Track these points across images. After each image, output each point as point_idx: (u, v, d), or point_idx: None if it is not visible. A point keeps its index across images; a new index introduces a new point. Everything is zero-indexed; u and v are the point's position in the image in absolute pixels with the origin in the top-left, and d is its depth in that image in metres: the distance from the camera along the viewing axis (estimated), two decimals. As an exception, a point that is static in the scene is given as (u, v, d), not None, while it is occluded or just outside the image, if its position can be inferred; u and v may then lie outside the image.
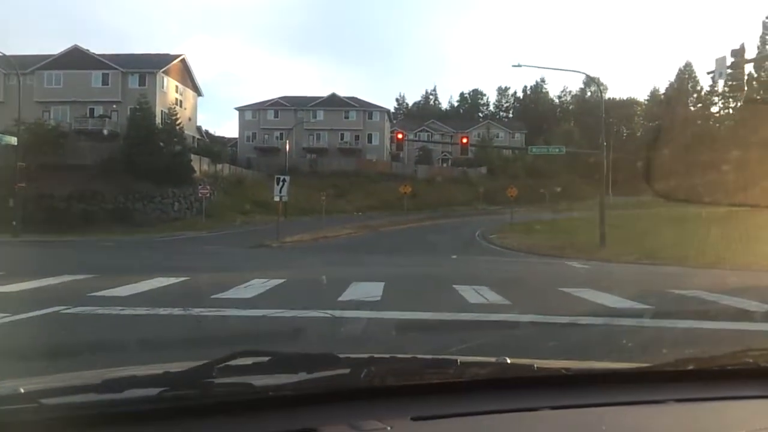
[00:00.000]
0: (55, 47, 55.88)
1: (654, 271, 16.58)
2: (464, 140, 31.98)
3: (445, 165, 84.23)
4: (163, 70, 55.34)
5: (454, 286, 10.38)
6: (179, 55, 59.35)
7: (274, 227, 29.44)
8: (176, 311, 7.30)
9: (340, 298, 8.57)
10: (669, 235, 25.38)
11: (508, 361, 1.68)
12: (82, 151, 45.05)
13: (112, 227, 36.75)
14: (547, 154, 54.14)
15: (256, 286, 10.05)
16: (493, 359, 1.70)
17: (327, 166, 69.26)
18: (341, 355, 1.53)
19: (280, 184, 27.72)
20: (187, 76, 61.05)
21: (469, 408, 1.45)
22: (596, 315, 7.24)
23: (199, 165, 50.01)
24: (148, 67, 54.79)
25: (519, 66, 30.35)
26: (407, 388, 1.51)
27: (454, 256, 22.54)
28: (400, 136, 32.32)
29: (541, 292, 10.11)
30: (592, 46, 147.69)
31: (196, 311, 7.31)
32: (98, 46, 62.56)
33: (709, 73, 69.58)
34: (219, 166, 55.31)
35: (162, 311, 7.30)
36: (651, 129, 69.88)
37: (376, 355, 1.62)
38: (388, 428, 1.31)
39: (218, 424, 1.34)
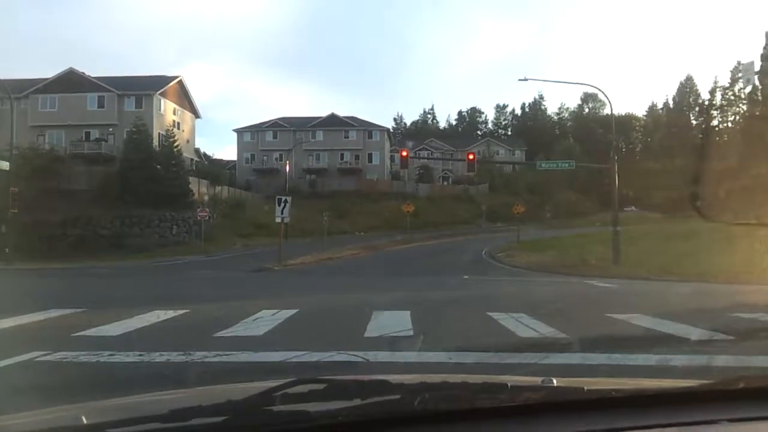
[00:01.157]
0: (50, 72, 54.84)
1: (688, 289, 15.33)
2: (470, 156, 30.77)
3: (446, 183, 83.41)
4: (160, 92, 54.50)
5: (488, 313, 9.15)
6: (176, 77, 58.52)
7: (275, 250, 28.36)
8: (175, 356, 6.06)
9: (366, 334, 7.33)
10: (678, 251, 24.39)
11: (554, 382, 1.65)
12: (77, 175, 44.08)
13: (108, 253, 35.60)
14: (549, 170, 53.48)
15: (266, 319, 8.82)
16: (539, 380, 1.67)
17: (327, 186, 68.25)
18: (393, 380, 1.56)
19: (282, 205, 26.70)
20: (184, 98, 60.18)
21: None
22: (681, 352, 5.99)
23: (198, 187, 48.98)
24: (145, 89, 53.94)
25: (525, 80, 29.21)
26: (459, 413, 1.51)
27: (466, 277, 21.46)
28: (405, 153, 31.34)
29: (591, 321, 8.81)
30: (589, 63, 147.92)
31: (198, 355, 6.08)
32: (94, 71, 62.56)
33: (731, 78, 69.32)
34: (218, 189, 54.27)
35: (158, 357, 6.06)
36: (690, 144, 68.67)
37: (427, 380, 1.66)
38: None
39: None
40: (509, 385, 1.59)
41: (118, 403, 1.90)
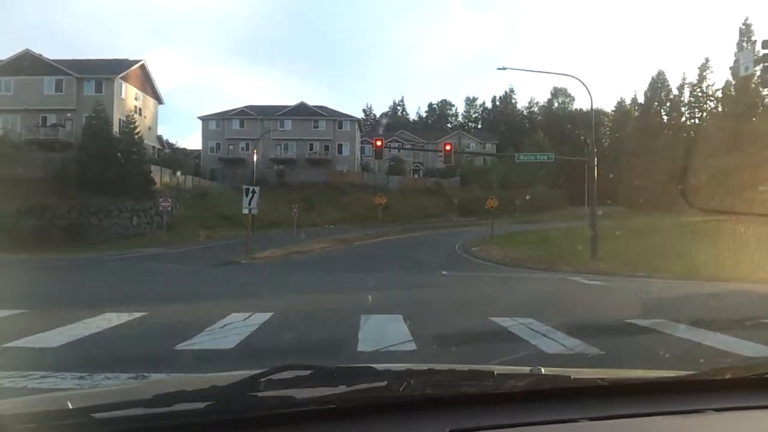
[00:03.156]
0: (5, 54, 52.22)
1: (688, 289, 14.38)
2: (448, 147, 29.66)
3: (417, 176, 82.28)
4: (121, 75, 52.24)
5: (492, 318, 8.04)
6: (138, 61, 56.22)
7: (241, 242, 27.03)
8: (125, 380, 4.80)
9: (360, 347, 6.11)
10: (650, 246, 23.74)
11: (543, 371, 1.65)
12: (33, 162, 41.86)
13: (65, 244, 33.79)
14: (519, 165, 52.90)
15: (237, 325, 7.55)
16: (527, 369, 1.67)
17: (296, 177, 66.47)
18: (380, 368, 1.55)
19: (250, 195, 25.29)
20: (147, 83, 57.90)
21: (507, 420, 1.43)
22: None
23: (160, 176, 47.04)
24: (106, 72, 51.69)
25: (504, 69, 28.23)
26: (445, 399, 1.50)
27: (444, 272, 20.47)
28: (379, 143, 30.06)
29: (612, 329, 7.60)
30: (558, 57, 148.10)
31: (155, 378, 4.83)
32: (52, 55, 58.51)
33: (731, 67, 69.80)
34: (181, 178, 52.29)
35: (103, 381, 4.80)
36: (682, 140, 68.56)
37: (414, 368, 1.66)
38: None
39: None
40: (495, 372, 1.58)
41: (101, 390, 1.98)
